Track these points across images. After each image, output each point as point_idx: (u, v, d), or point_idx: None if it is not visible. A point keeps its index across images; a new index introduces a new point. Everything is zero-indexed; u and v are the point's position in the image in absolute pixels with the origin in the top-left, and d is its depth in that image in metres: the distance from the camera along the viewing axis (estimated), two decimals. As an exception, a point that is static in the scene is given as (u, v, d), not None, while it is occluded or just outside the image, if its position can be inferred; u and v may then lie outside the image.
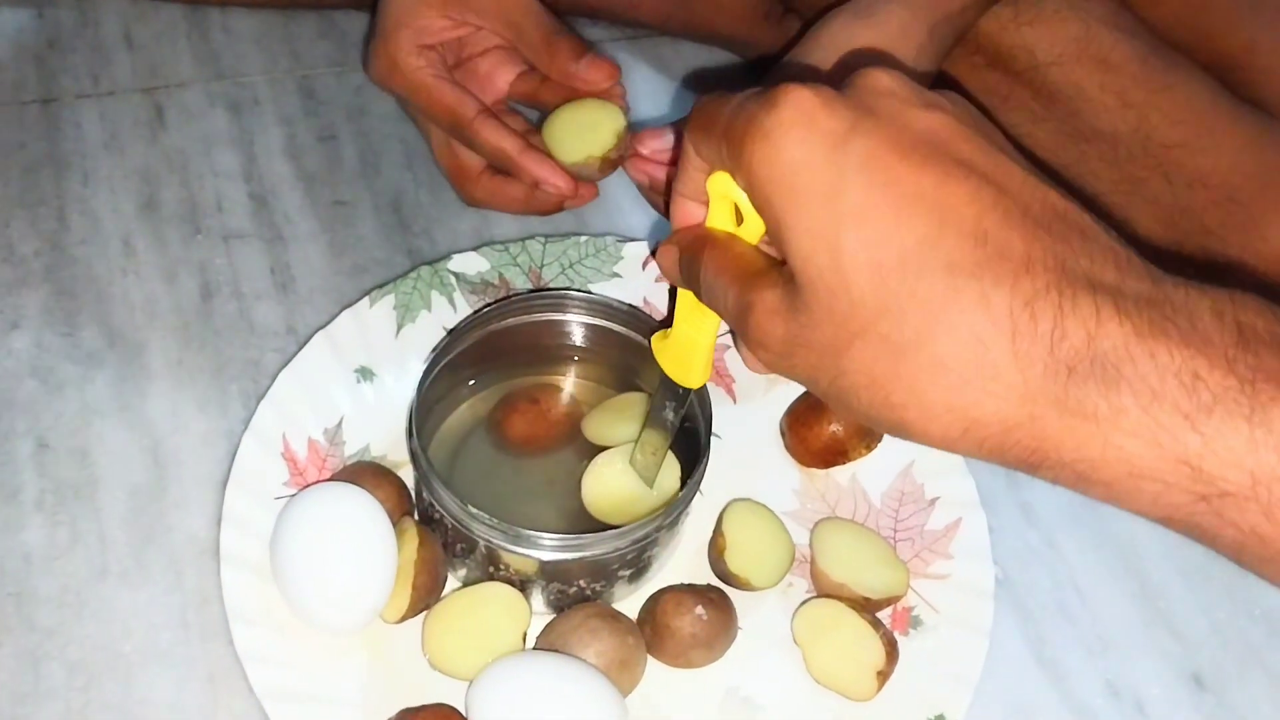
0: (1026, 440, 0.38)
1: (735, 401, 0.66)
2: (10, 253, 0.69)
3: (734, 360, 0.67)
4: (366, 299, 0.66)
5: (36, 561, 0.59)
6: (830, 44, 0.62)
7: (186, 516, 0.61)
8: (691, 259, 0.47)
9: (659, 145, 0.64)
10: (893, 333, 0.38)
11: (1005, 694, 0.59)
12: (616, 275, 0.69)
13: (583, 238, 0.70)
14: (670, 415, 0.56)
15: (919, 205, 0.38)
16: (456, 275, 0.68)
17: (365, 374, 0.64)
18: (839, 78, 0.42)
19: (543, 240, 0.70)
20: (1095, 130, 0.70)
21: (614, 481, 0.60)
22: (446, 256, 0.68)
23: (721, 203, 0.46)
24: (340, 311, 0.65)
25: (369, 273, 0.70)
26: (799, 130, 0.40)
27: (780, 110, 0.40)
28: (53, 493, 0.61)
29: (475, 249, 0.69)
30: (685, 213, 0.49)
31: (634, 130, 0.66)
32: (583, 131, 0.67)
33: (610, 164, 0.67)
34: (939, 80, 0.73)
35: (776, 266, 0.43)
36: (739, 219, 0.46)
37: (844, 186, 0.39)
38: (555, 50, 0.66)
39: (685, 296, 0.50)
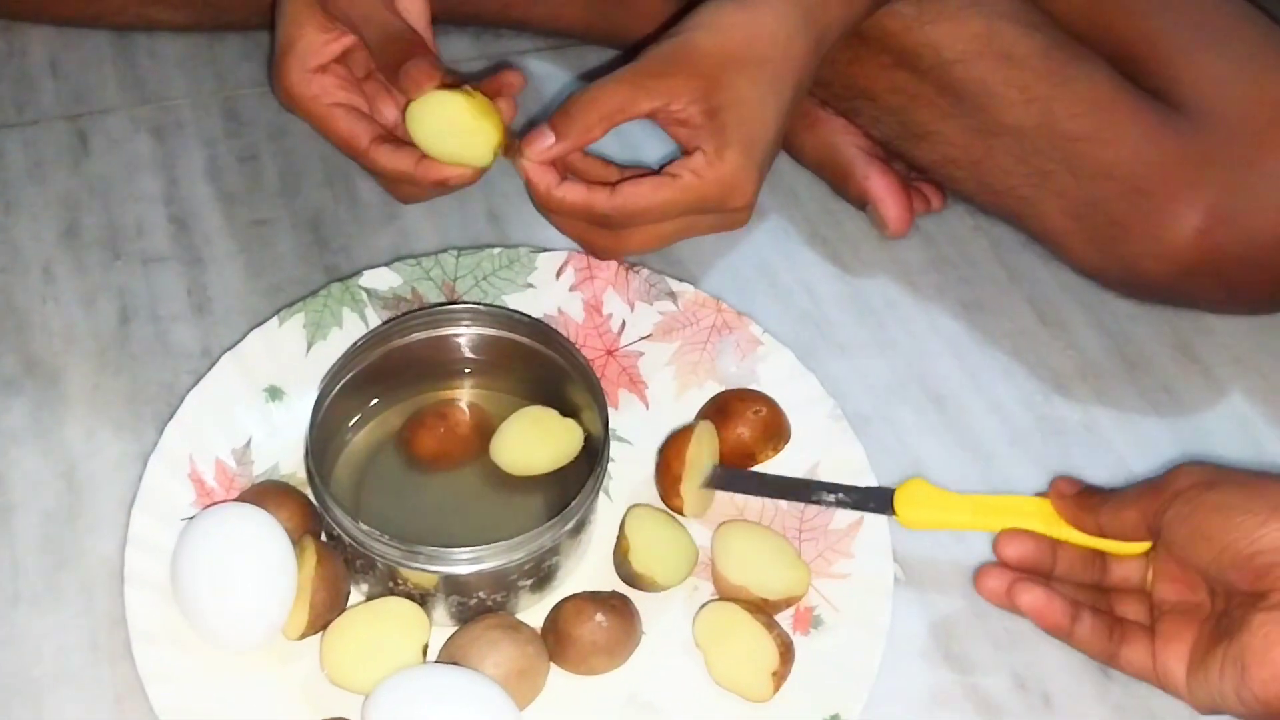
0: None
1: (648, 407, 0.67)
2: (-69, 284, 0.71)
3: (647, 366, 0.68)
4: (276, 318, 0.67)
5: (-51, 589, 0.60)
6: (707, 24, 0.62)
7: (99, 540, 0.61)
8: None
9: (543, 147, 0.63)
10: None
11: (911, 689, 0.59)
12: (530, 286, 0.70)
13: (496, 250, 0.71)
14: (832, 499, 0.62)
15: None
16: (368, 291, 0.69)
17: (274, 393, 0.65)
18: None
19: (456, 253, 0.70)
20: (1002, 125, 0.70)
21: (524, 433, 0.62)
22: (357, 273, 0.69)
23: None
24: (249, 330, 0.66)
25: (285, 291, 0.71)
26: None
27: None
28: (-33, 520, 0.62)
29: (388, 264, 0.70)
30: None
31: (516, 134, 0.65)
32: (460, 136, 0.64)
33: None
34: (848, 86, 0.73)
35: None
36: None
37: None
38: (383, 55, 0.64)
39: (999, 509, 0.62)
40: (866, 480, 0.63)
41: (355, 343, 0.62)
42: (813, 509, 0.63)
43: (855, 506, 0.61)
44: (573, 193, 0.62)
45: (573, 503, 0.57)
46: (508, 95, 0.66)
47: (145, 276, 0.72)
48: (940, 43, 0.70)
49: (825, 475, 0.64)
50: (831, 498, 0.61)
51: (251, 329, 0.67)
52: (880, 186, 0.75)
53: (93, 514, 0.62)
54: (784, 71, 0.63)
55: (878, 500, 0.61)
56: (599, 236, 0.64)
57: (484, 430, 0.64)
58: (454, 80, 0.64)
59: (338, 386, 0.60)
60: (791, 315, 0.72)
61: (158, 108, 0.81)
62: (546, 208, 0.64)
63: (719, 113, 0.61)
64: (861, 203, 0.76)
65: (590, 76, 0.84)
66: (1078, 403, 0.71)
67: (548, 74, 0.86)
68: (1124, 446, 0.69)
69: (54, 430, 0.65)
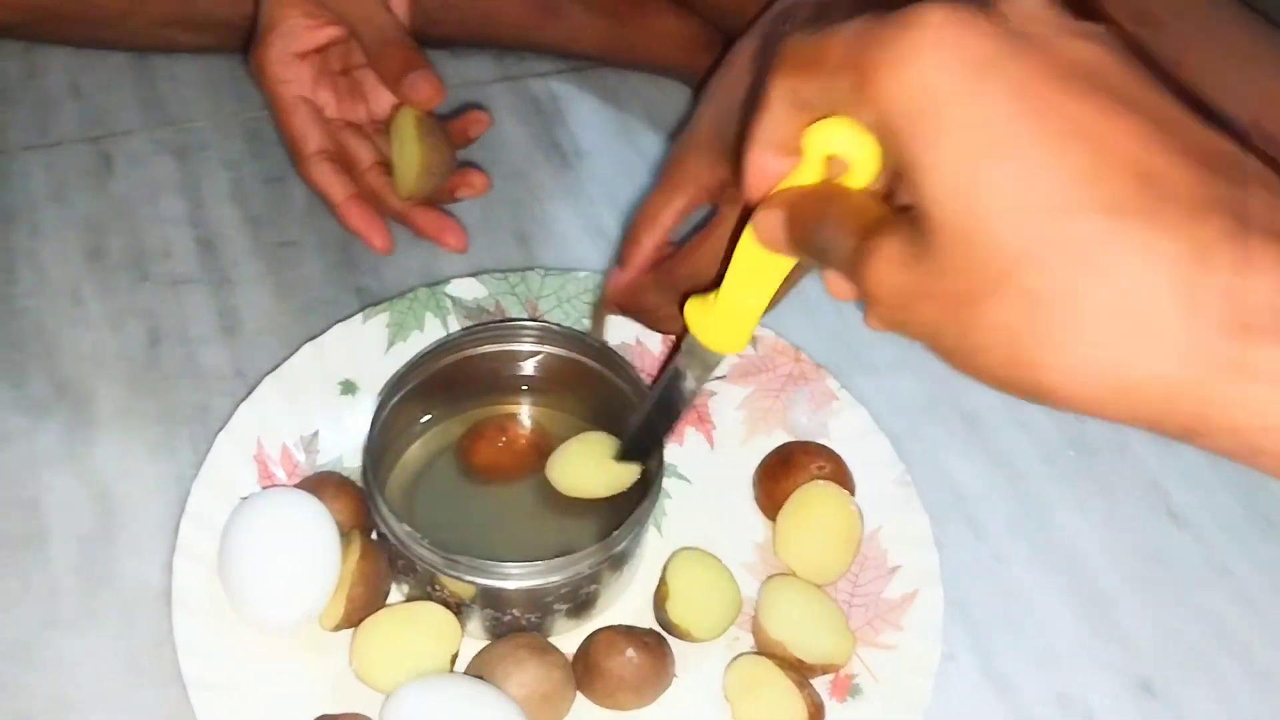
0: (1190, 406, 0.34)
1: (713, 448, 0.66)
2: (-42, 306, 0.70)
3: (716, 407, 0.68)
4: (361, 314, 0.67)
5: (-14, 614, 0.59)
6: (708, 95, 0.62)
7: (137, 563, 0.61)
8: (805, 217, 0.42)
9: (619, 282, 0.63)
10: (1035, 284, 0.34)
11: (954, 708, 0.59)
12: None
13: (582, 273, 0.71)
14: (693, 385, 0.54)
15: (1076, 139, 0.34)
16: (453, 299, 0.69)
17: (348, 387, 0.65)
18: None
19: (542, 272, 0.71)
20: None
21: (583, 458, 0.61)
22: (445, 280, 0.70)
23: (817, 158, 0.41)
24: (289, 354, 0.66)
25: (316, 313, 0.71)
26: (939, 53, 0.35)
27: (916, 32, 0.35)
28: (2, 544, 0.61)
29: (475, 275, 0.70)
30: (763, 168, 0.43)
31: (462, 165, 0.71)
32: (401, 168, 0.69)
33: (430, 189, 0.70)
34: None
35: (898, 213, 0.38)
36: (834, 173, 0.41)
37: (990, 117, 0.34)
38: (384, 59, 0.66)
39: (744, 258, 0.46)
40: (929, 555, 0.61)
41: (426, 348, 0.62)
42: (867, 575, 0.61)
43: (698, 374, 0.53)
44: (643, 278, 0.62)
45: (615, 532, 0.57)
46: (472, 134, 0.71)
47: (174, 298, 0.71)
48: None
49: (887, 541, 0.62)
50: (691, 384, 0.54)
51: (286, 350, 0.67)
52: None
53: (130, 537, 0.62)
54: None
55: (693, 355, 0.52)
56: None
57: (543, 448, 0.63)
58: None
59: (405, 389, 0.61)
60: (822, 335, 0.72)
61: (179, 130, 0.80)
62: (636, 305, 0.63)
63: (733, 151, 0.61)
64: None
65: (609, 99, 0.86)
66: (1109, 421, 0.71)
67: (568, 95, 0.86)
68: (1156, 466, 0.69)
69: (87, 453, 0.65)
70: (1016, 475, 0.68)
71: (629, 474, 0.61)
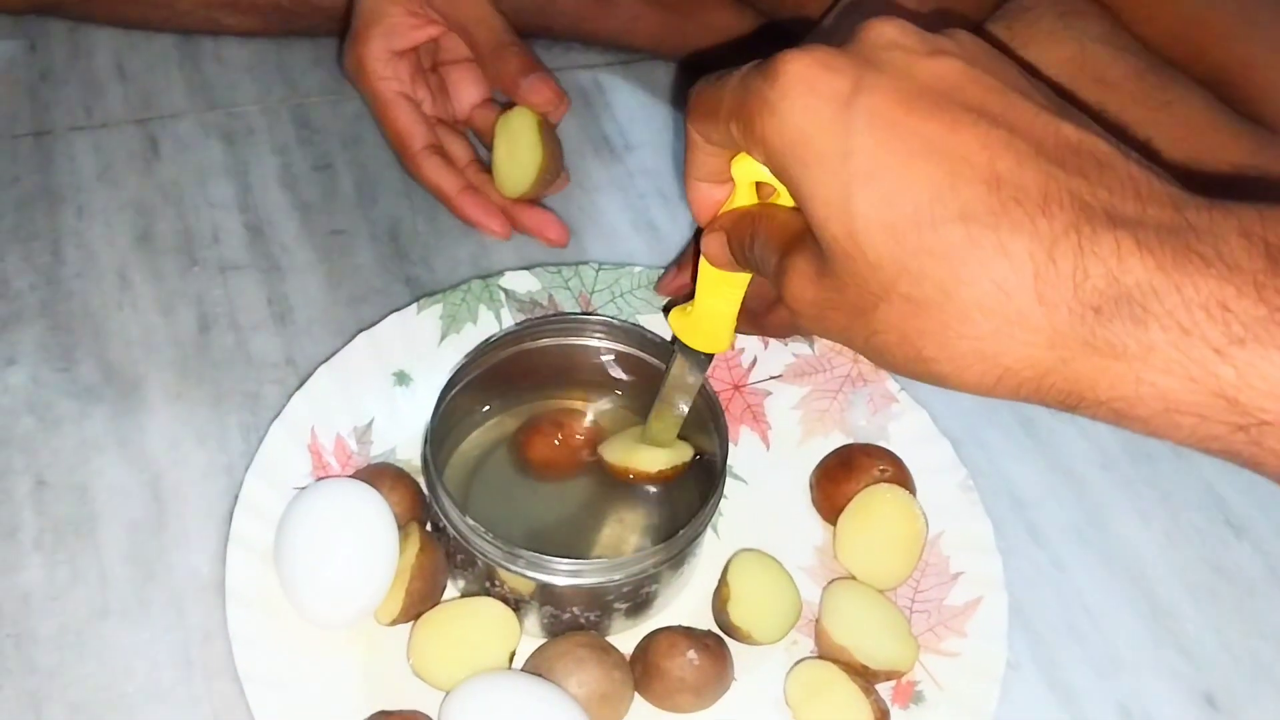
0: (1060, 383, 0.37)
1: (768, 449, 0.66)
2: (5, 288, 0.69)
3: (772, 407, 0.67)
4: (415, 305, 0.66)
5: (36, 601, 0.58)
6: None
7: (188, 552, 0.60)
8: (739, 237, 0.47)
9: (675, 285, 0.65)
10: (913, 291, 0.38)
11: (1017, 717, 0.58)
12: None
13: (637, 268, 0.70)
14: (693, 379, 0.58)
15: (928, 158, 0.38)
16: (506, 291, 0.68)
17: (402, 378, 0.65)
18: (844, 34, 0.41)
19: (596, 266, 0.70)
20: None
21: (634, 435, 0.62)
22: (499, 273, 0.69)
23: (745, 184, 0.47)
24: (344, 344, 0.65)
25: (367, 302, 0.70)
26: (802, 97, 0.39)
27: (781, 80, 0.40)
28: (51, 531, 0.60)
29: (528, 268, 0.69)
30: (703, 197, 0.49)
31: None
32: (512, 168, 0.68)
33: (541, 190, 0.70)
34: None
35: (809, 231, 0.42)
36: (766, 194, 0.47)
37: (852, 148, 0.38)
38: (501, 61, 0.67)
39: (707, 271, 0.51)
40: (993, 561, 0.60)
41: (488, 339, 0.61)
42: (929, 581, 0.60)
43: (694, 374, 0.57)
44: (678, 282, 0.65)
45: (680, 532, 0.56)
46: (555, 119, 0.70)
47: (224, 284, 0.70)
48: (1032, 66, 0.70)
49: (949, 548, 0.61)
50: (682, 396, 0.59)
51: (337, 339, 0.66)
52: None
53: (180, 526, 0.61)
54: None
55: (685, 357, 0.57)
56: (766, 317, 0.61)
57: (596, 444, 0.63)
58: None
59: (465, 379, 0.60)
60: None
61: (226, 113, 0.79)
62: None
63: None
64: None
65: (656, 92, 0.85)
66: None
67: (615, 88, 0.85)
68: (1212, 474, 0.68)
69: (136, 440, 0.64)
70: (1075, 481, 0.67)
71: (682, 455, 0.61)
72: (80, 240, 0.72)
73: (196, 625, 0.58)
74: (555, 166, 0.70)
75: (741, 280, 0.52)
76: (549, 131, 0.69)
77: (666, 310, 0.59)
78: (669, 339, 0.59)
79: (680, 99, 0.84)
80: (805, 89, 0.39)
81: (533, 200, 0.73)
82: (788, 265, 0.42)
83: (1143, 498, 0.67)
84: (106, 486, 0.62)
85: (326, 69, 0.82)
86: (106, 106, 0.79)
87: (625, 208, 0.78)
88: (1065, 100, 0.41)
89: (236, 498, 0.59)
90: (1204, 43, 0.71)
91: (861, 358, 0.67)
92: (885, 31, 0.40)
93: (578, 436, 0.64)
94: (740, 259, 0.48)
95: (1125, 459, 0.68)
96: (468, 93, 0.74)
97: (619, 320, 0.63)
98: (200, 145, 0.77)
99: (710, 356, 0.57)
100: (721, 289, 0.52)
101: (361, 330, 0.66)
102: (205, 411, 0.65)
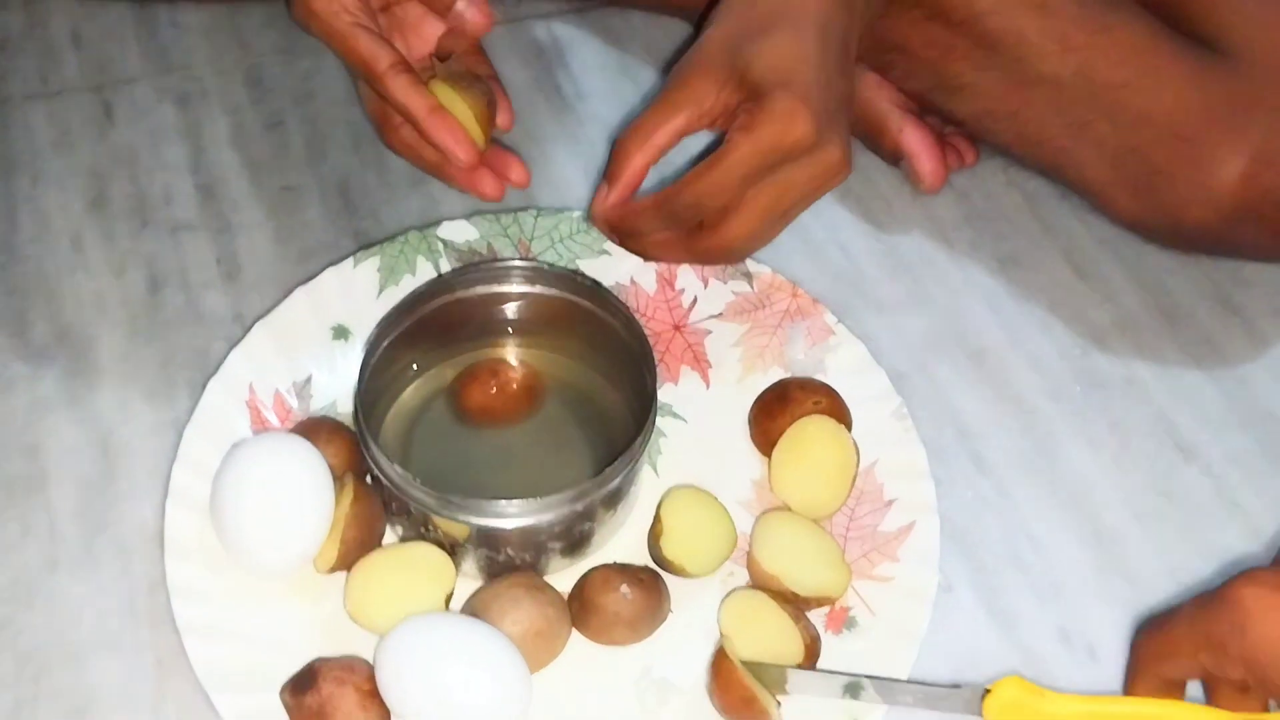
0: None
1: (709, 387, 0.66)
2: (-40, 255, 0.70)
3: (713, 345, 0.67)
4: (351, 259, 0.67)
5: (-12, 556, 0.59)
6: (713, 19, 0.62)
7: (136, 505, 0.61)
8: None
9: (602, 199, 0.63)
10: None
11: (955, 644, 0.59)
12: (606, 253, 0.69)
13: (575, 213, 0.70)
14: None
15: None
16: (444, 242, 0.68)
17: (341, 332, 0.65)
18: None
19: (535, 213, 0.70)
20: (1039, 75, 0.69)
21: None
22: (436, 222, 0.69)
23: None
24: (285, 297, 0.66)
25: (315, 257, 0.70)
26: (1272, 614, 0.48)
27: (1242, 605, 0.48)
28: (3, 488, 0.61)
29: (467, 217, 0.69)
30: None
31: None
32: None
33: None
34: (881, 41, 0.72)
35: None
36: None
37: None
38: None
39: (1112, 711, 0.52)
40: (925, 485, 0.61)
41: (415, 290, 0.61)
42: (863, 509, 0.61)
43: (937, 708, 0.53)
44: (643, 200, 0.62)
45: (607, 469, 0.56)
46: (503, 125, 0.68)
47: (174, 244, 0.71)
48: None
49: (883, 475, 0.61)
50: (909, 698, 0.53)
51: (284, 295, 0.66)
52: (915, 141, 0.74)
53: (128, 480, 0.62)
54: (798, 15, 0.61)
55: (966, 700, 0.52)
56: (699, 240, 0.63)
57: (535, 389, 0.63)
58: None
59: (395, 332, 0.60)
60: (826, 273, 0.71)
61: (181, 77, 0.80)
62: (628, 227, 0.63)
63: (747, 76, 0.60)
64: (896, 158, 0.75)
65: (612, 41, 0.84)
66: (1117, 356, 0.70)
67: (569, 37, 0.85)
68: (1165, 400, 0.68)
69: (87, 398, 0.65)
70: (1024, 412, 0.67)
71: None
72: (35, 207, 0.73)
73: (141, 575, 0.59)
74: (488, 114, 0.67)
75: None
76: (469, 82, 0.66)
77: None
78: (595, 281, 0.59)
79: (636, 49, 0.83)
80: (1273, 608, 0.48)
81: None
82: None
83: (1093, 425, 0.67)
84: (57, 444, 0.63)
85: (279, 30, 0.82)
86: (62, 74, 0.79)
87: (576, 156, 0.78)
88: None
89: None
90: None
91: (801, 291, 0.67)
92: None
93: (514, 383, 0.64)
94: None
95: (1075, 389, 0.68)
96: (427, 25, 0.70)
97: (546, 264, 0.63)
98: (154, 109, 0.78)
99: None
100: None
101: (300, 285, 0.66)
102: (154, 370, 0.66)
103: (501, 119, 0.68)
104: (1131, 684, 0.52)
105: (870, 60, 0.75)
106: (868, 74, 0.75)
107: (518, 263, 0.63)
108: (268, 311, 0.65)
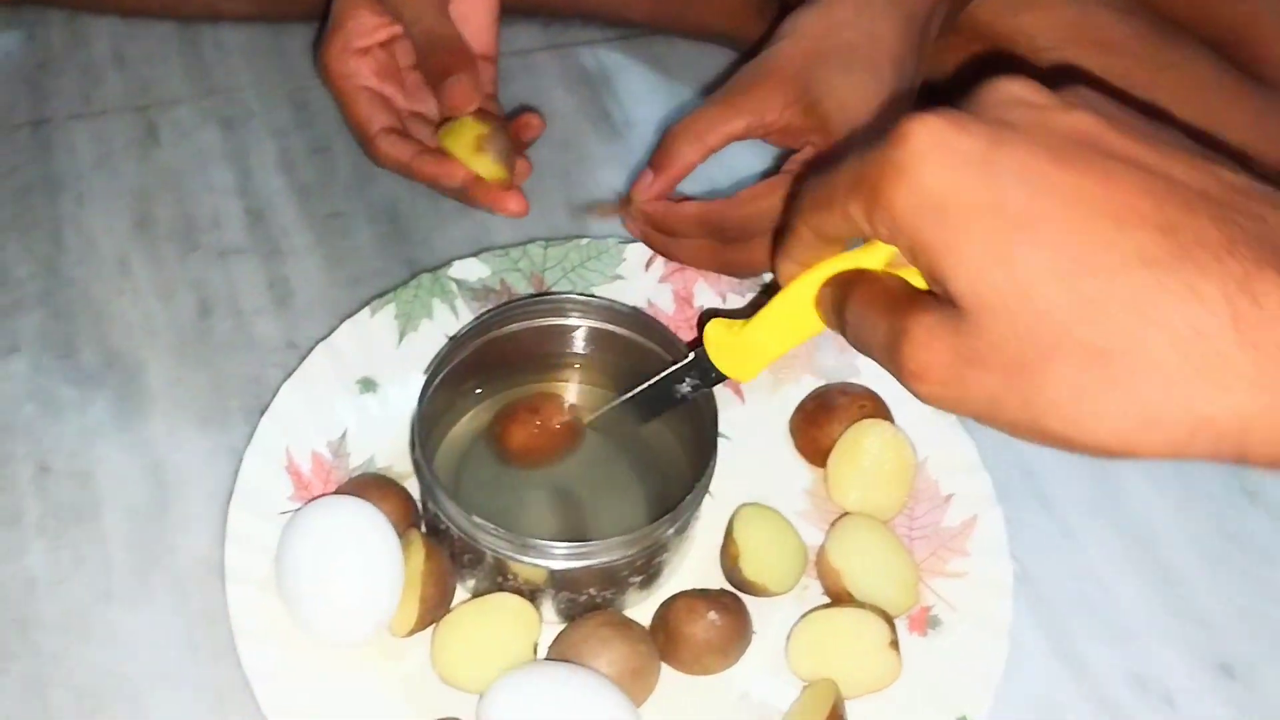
0: (1268, 434, 0.34)
1: (743, 401, 0.65)
2: (5, 276, 0.69)
3: None
4: (367, 309, 0.65)
5: (40, 586, 0.58)
6: (787, 32, 0.62)
7: (190, 536, 0.60)
8: (840, 296, 0.44)
9: (646, 185, 0.63)
10: (1096, 337, 0.35)
11: (1027, 690, 0.58)
12: (620, 277, 0.68)
13: (584, 240, 0.69)
14: (687, 390, 0.56)
15: (1089, 207, 0.35)
16: (458, 282, 0.67)
17: (368, 385, 0.63)
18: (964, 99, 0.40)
19: (544, 244, 0.69)
20: None
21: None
22: (447, 263, 0.68)
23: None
24: (340, 323, 0.65)
25: (367, 283, 0.69)
26: (936, 155, 0.37)
27: (910, 141, 0.37)
28: (54, 516, 0.60)
29: (475, 255, 0.68)
30: (791, 274, 0.47)
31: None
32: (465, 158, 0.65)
33: (505, 155, 0.64)
34: (940, 74, 0.72)
35: (929, 295, 0.39)
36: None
37: (1003, 201, 0.36)
38: (428, 60, 0.65)
39: (785, 306, 0.48)
40: (981, 478, 0.61)
41: (457, 333, 0.60)
42: (922, 507, 0.61)
43: (697, 384, 0.55)
44: (690, 207, 0.62)
45: (687, 497, 0.55)
46: (525, 138, 0.67)
47: (223, 269, 0.70)
48: (1033, 30, 0.69)
49: (936, 471, 0.62)
50: (685, 387, 0.55)
51: (338, 321, 0.65)
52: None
53: (183, 510, 0.61)
54: (875, 54, 0.61)
55: (701, 370, 0.54)
56: (731, 253, 0.62)
57: (576, 424, 0.62)
58: (489, 107, 0.66)
59: (440, 375, 0.59)
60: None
61: (225, 99, 0.79)
62: (668, 227, 0.63)
63: (817, 106, 0.60)
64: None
65: (659, 68, 0.84)
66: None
67: (616, 64, 0.84)
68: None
69: (139, 425, 0.63)
70: (1085, 451, 0.66)
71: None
72: (80, 228, 0.71)
73: (199, 609, 0.57)
74: (504, 166, 0.65)
75: (814, 328, 0.47)
76: (490, 139, 0.65)
77: (704, 319, 0.56)
78: (634, 309, 0.59)
79: (683, 75, 0.83)
80: (937, 147, 0.37)
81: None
82: (908, 328, 0.39)
83: (1155, 466, 0.66)
84: (109, 472, 0.62)
85: (324, 52, 0.81)
86: (105, 94, 0.78)
87: (626, 183, 0.77)
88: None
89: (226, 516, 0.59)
90: (1209, 2, 0.70)
91: None
92: (1010, 89, 0.39)
93: (555, 419, 0.63)
94: (835, 320, 0.45)
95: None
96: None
97: (587, 295, 0.62)
98: (199, 131, 0.77)
99: (720, 380, 0.54)
100: (787, 329, 0.49)
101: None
102: (206, 396, 0.65)
103: (534, 122, 0.67)
104: (785, 244, 0.45)
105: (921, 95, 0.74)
106: None
107: (553, 296, 0.62)
108: (325, 337, 0.64)
